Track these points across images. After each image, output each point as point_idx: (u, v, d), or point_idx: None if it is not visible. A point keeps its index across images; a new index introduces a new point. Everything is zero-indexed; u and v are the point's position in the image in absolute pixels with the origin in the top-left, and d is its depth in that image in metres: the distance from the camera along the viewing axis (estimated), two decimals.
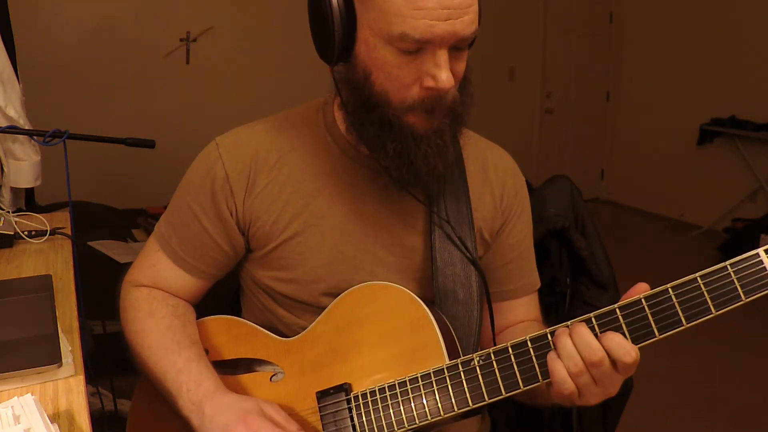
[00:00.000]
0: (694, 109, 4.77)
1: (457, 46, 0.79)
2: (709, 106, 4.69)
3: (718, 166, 4.76)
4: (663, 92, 5.04)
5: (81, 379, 0.86)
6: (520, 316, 1.02)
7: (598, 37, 5.35)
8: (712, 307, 0.70)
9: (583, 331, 0.74)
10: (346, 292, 0.90)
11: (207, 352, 0.94)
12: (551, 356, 0.75)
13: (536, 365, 0.76)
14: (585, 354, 0.73)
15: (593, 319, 0.75)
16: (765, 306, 0.85)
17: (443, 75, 0.77)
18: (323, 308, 0.92)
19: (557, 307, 1.21)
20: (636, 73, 5.28)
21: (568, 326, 0.76)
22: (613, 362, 0.73)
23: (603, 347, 0.73)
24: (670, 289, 0.72)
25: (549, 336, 0.76)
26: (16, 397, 0.74)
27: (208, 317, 1.00)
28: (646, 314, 0.72)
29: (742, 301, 0.70)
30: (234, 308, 1.08)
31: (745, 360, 2.97)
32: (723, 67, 4.60)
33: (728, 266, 0.70)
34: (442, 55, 0.77)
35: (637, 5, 5.20)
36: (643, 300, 0.73)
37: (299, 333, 0.93)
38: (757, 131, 4.40)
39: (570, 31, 5.23)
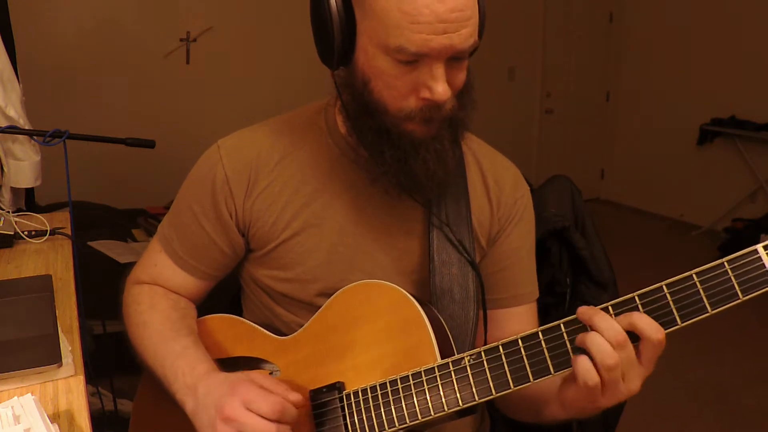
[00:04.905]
0: (694, 109, 4.77)
1: (455, 57, 0.79)
2: (709, 106, 4.69)
3: (718, 166, 4.76)
4: (663, 92, 5.04)
5: (81, 379, 0.86)
6: (516, 327, 0.98)
7: (598, 37, 5.35)
8: (708, 305, 0.69)
9: (602, 317, 0.71)
10: (340, 290, 0.90)
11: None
12: (573, 355, 0.73)
13: (527, 365, 0.76)
14: (610, 335, 0.70)
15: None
16: (765, 305, 0.85)
17: (439, 87, 0.78)
18: (320, 307, 0.92)
19: (557, 307, 1.21)
20: (636, 73, 5.27)
21: (561, 324, 0.75)
22: (637, 349, 0.71)
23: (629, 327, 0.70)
24: (664, 287, 0.71)
25: (540, 335, 0.76)
26: (16, 397, 0.75)
27: (208, 316, 1.00)
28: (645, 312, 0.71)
29: (739, 299, 0.67)
30: (235, 308, 1.08)
31: (745, 360, 2.97)
32: (723, 67, 4.59)
33: (725, 263, 0.68)
34: (438, 68, 0.77)
35: (637, 5, 5.20)
36: (636, 297, 0.72)
37: (297, 331, 0.93)
38: (757, 131, 4.40)
39: (570, 31, 5.22)
